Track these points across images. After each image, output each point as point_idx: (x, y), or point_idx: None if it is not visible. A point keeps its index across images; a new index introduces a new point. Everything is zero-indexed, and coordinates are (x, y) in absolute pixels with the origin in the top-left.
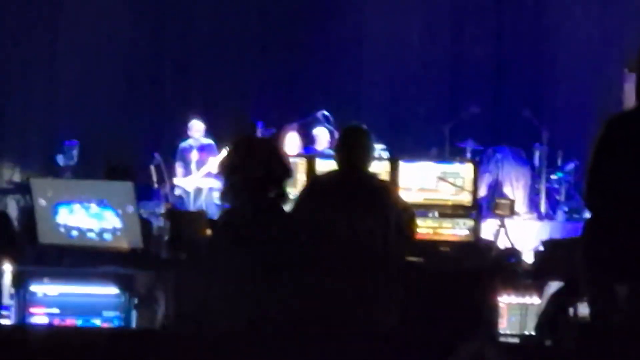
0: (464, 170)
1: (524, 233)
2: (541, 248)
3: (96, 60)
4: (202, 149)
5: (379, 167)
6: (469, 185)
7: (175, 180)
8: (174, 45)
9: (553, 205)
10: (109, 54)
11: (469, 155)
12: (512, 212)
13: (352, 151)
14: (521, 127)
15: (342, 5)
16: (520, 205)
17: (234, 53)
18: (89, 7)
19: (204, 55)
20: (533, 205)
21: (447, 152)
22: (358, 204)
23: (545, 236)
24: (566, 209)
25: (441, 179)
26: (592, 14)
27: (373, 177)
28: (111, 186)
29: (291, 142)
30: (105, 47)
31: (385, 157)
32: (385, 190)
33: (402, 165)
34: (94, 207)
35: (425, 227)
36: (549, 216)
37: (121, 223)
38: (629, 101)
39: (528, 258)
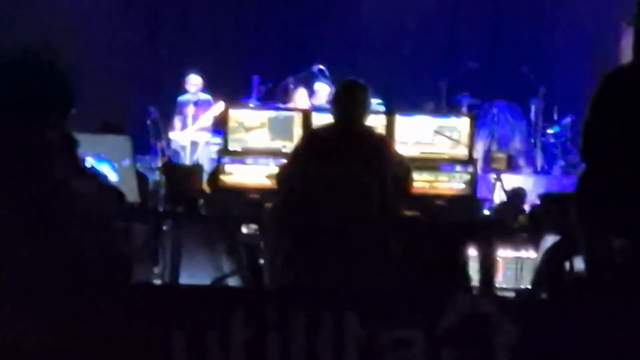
0: (461, 124)
1: (522, 185)
2: (537, 202)
3: (92, 13)
4: (198, 103)
5: (376, 121)
6: (465, 139)
7: (171, 134)
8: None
9: (549, 159)
10: (106, 5)
11: (465, 109)
12: (508, 166)
13: (348, 105)
14: (518, 82)
15: None
16: (517, 159)
17: (229, 6)
18: None
19: (201, 8)
20: (529, 159)
21: (444, 106)
22: (354, 157)
23: (541, 190)
24: (562, 163)
25: (437, 132)
26: None
27: (369, 130)
28: (108, 140)
29: (301, 98)
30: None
31: (381, 111)
32: (382, 144)
33: (399, 119)
34: (90, 160)
35: (421, 181)
36: (546, 170)
37: (117, 177)
38: (626, 56)
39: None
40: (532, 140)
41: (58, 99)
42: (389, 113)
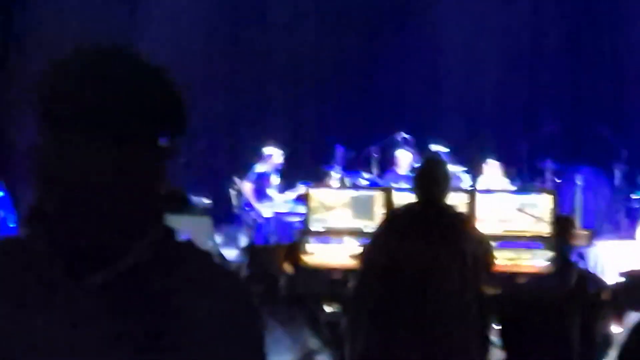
0: (542, 201)
1: (605, 256)
2: (621, 280)
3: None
4: (274, 175)
5: (457, 199)
6: (547, 216)
7: (256, 205)
8: (252, 67)
9: (634, 224)
10: (189, 74)
11: (548, 175)
12: (590, 242)
13: (429, 184)
14: (599, 145)
15: (418, 24)
16: (601, 226)
17: (311, 77)
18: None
19: (283, 78)
20: (614, 225)
21: (525, 170)
22: (435, 236)
23: (627, 258)
24: None
25: (519, 210)
26: None
27: (450, 209)
28: (191, 221)
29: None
30: (186, 69)
31: (465, 178)
32: (462, 222)
33: (480, 197)
34: None
35: (503, 259)
36: (630, 236)
37: None
38: None
39: (609, 282)
40: (617, 206)
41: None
42: (471, 191)
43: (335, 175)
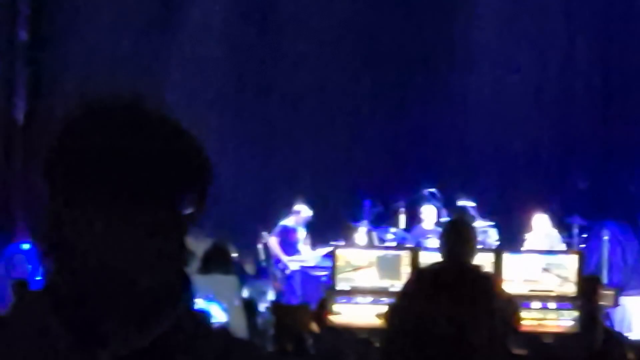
0: (568, 261)
1: (632, 313)
2: None
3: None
4: (301, 229)
5: (483, 259)
6: (573, 276)
7: (283, 258)
8: (284, 119)
9: None
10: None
11: (576, 231)
12: (616, 303)
13: (455, 243)
14: (626, 200)
15: (444, 78)
16: (629, 282)
17: (339, 131)
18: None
19: (312, 134)
20: None
21: (556, 225)
22: (463, 297)
23: None
24: None
25: (545, 270)
26: None
27: (476, 268)
28: (217, 279)
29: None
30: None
31: (492, 233)
32: (488, 282)
33: (506, 257)
34: (199, 301)
35: (529, 319)
36: None
37: (227, 317)
38: None
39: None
40: None
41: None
42: (497, 251)
43: (362, 230)
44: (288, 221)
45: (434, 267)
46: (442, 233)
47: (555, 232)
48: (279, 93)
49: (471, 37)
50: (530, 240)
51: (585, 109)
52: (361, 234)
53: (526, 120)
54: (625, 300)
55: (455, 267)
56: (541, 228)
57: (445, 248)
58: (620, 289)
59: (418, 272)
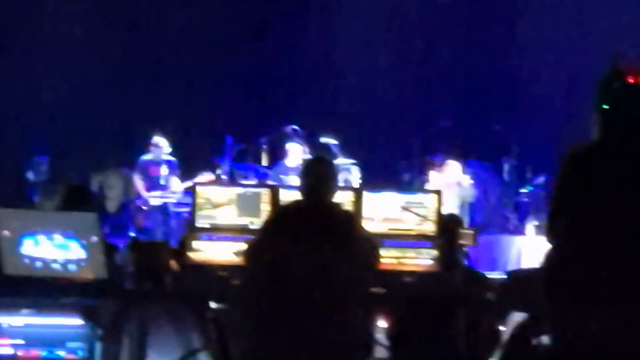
0: (428, 200)
1: (493, 250)
2: (504, 278)
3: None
4: (162, 164)
5: (343, 197)
6: (432, 215)
7: (144, 194)
8: (142, 56)
9: (523, 219)
10: (78, 66)
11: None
12: (475, 242)
13: (314, 181)
14: (491, 141)
15: (311, 16)
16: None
17: (200, 65)
18: (59, 19)
19: (173, 70)
20: (503, 219)
21: (416, 165)
22: (321, 234)
23: (515, 251)
24: (536, 222)
25: (405, 209)
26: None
27: (336, 207)
28: (75, 217)
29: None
30: (73, 59)
31: (354, 171)
32: (349, 220)
33: (366, 195)
34: (58, 237)
35: (388, 257)
36: (519, 230)
37: (86, 254)
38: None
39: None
40: (506, 200)
41: None
42: (357, 189)
43: (224, 167)
44: (147, 156)
45: (293, 205)
46: (302, 170)
47: (467, 181)
48: (143, 30)
49: None
50: (436, 184)
51: (451, 50)
52: (223, 170)
53: (391, 60)
54: (485, 239)
55: (314, 204)
56: (453, 175)
57: (304, 186)
58: (481, 228)
59: (278, 210)
